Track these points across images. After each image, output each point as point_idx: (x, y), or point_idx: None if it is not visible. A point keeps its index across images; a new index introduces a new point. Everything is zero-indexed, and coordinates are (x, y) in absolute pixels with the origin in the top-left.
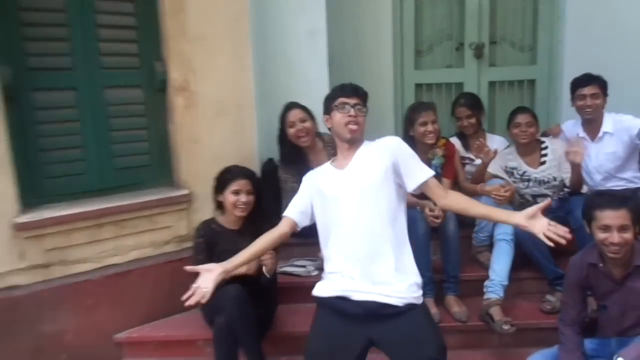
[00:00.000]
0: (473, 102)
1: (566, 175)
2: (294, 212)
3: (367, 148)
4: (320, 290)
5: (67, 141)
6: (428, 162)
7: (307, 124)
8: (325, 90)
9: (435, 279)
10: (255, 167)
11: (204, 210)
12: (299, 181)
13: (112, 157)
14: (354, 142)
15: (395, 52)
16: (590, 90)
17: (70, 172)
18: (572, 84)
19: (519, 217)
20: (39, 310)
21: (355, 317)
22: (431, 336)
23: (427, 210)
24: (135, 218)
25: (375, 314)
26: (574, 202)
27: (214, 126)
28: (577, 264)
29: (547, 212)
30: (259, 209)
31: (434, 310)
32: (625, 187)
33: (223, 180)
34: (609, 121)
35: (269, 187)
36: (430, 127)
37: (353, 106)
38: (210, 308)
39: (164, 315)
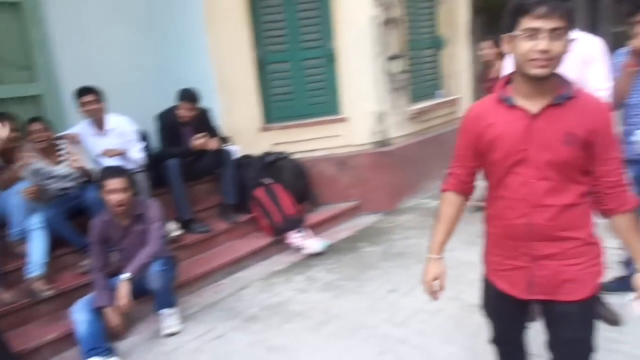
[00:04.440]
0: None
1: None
2: None
3: None
4: None
5: None
6: None
7: None
8: None
9: None
10: None
11: None
12: None
13: None
14: None
15: None
16: (87, 98)
17: None
18: (76, 94)
19: None
20: None
21: None
22: None
23: None
24: None
25: None
26: (88, 188)
27: None
28: (96, 223)
29: (66, 201)
30: None
31: None
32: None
33: None
34: (112, 119)
35: None
36: None
37: None
38: None
39: None
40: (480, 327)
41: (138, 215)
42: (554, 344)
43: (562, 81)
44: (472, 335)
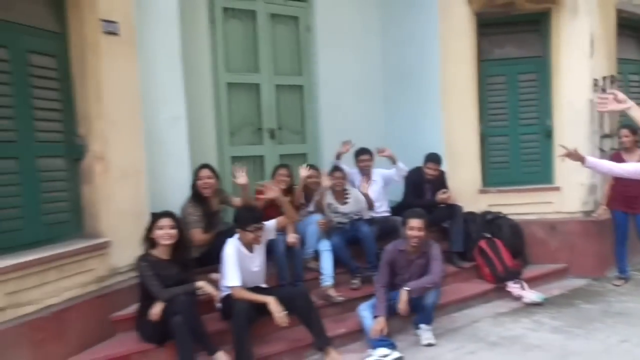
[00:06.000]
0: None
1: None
2: None
3: None
4: None
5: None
6: None
7: (211, 181)
8: (185, 162)
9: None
10: (146, 219)
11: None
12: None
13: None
14: None
15: (217, 134)
16: (364, 157)
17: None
18: (356, 152)
19: None
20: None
21: None
22: None
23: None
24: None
25: None
26: (361, 223)
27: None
28: (390, 249)
29: (344, 232)
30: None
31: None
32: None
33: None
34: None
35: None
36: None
37: None
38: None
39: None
40: None
41: (424, 252)
42: None
43: None
44: None
